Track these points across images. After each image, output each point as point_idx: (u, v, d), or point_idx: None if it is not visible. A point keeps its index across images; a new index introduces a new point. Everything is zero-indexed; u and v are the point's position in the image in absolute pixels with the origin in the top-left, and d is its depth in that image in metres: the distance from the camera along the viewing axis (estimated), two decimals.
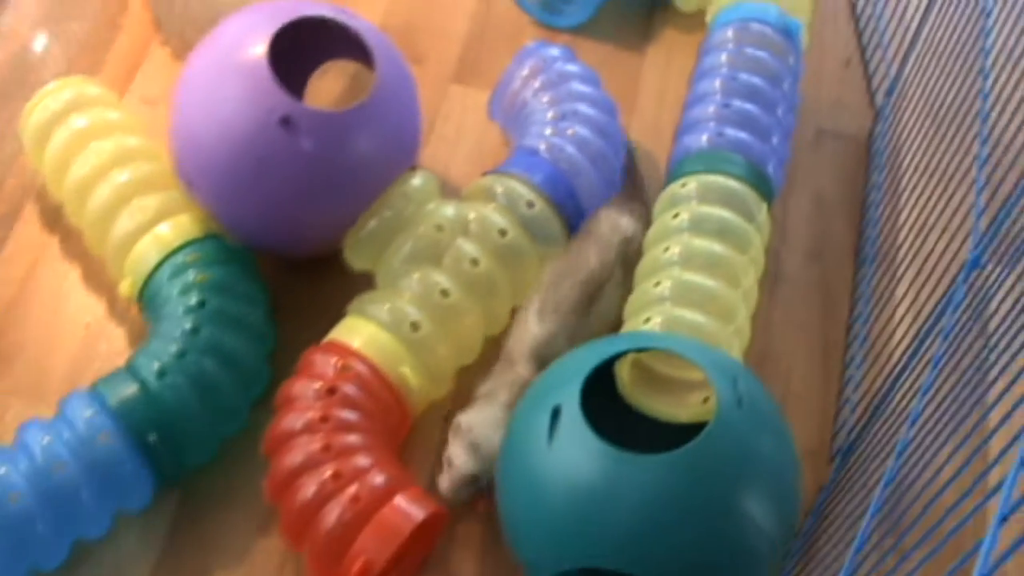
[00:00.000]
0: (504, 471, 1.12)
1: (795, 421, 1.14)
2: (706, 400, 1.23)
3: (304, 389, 1.21)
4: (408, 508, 1.15)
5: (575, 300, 1.28)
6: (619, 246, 1.33)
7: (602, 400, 1.10)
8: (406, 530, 1.13)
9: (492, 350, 1.33)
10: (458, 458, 1.21)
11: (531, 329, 1.27)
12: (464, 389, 1.31)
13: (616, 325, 1.29)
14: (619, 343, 1.17)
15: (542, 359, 1.24)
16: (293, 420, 1.18)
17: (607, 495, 1.02)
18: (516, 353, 1.27)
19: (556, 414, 1.06)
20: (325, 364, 1.22)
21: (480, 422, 1.21)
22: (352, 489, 1.14)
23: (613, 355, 1.14)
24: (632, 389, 1.24)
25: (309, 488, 1.14)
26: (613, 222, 1.35)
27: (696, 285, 1.25)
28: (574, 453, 1.04)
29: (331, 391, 1.19)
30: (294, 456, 1.16)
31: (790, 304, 1.44)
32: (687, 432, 1.07)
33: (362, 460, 1.16)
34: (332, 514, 1.13)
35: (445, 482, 1.22)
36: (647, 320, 1.24)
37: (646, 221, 1.38)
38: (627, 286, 1.32)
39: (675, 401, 1.24)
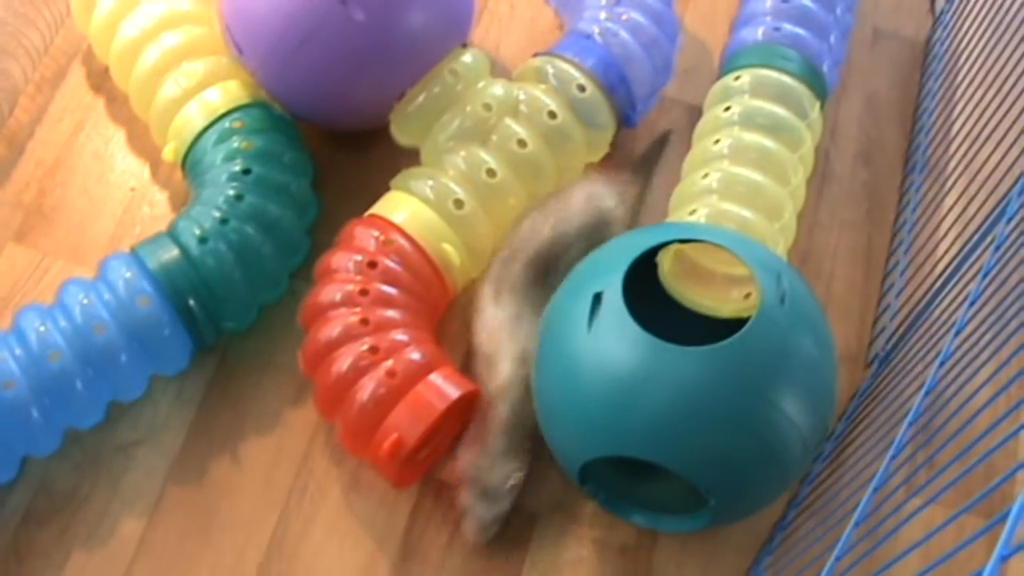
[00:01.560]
0: (541, 357, 1.12)
1: (833, 324, 1.12)
2: (747, 296, 1.22)
3: (344, 261, 1.20)
4: (443, 386, 1.15)
5: (529, 277, 1.20)
6: (586, 217, 1.23)
7: (643, 290, 1.09)
8: (440, 408, 1.13)
9: None
10: (475, 507, 1.16)
11: (494, 315, 1.21)
12: None
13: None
14: (664, 232, 1.15)
15: (518, 342, 1.18)
16: (332, 292, 1.18)
17: (644, 385, 1.01)
18: (491, 349, 1.20)
19: (597, 300, 1.04)
20: (367, 237, 1.21)
21: (482, 466, 1.16)
22: (388, 364, 1.14)
23: (657, 244, 1.13)
24: (674, 280, 1.23)
25: (344, 361, 1.14)
26: (590, 192, 1.27)
27: (744, 179, 1.23)
28: (613, 341, 1.03)
29: (372, 265, 1.19)
30: (331, 328, 1.16)
31: (836, 205, 1.42)
32: (727, 327, 1.06)
33: (399, 336, 1.16)
34: (366, 388, 1.13)
35: (472, 530, 1.17)
36: (692, 212, 1.22)
37: (634, 209, 1.32)
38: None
39: (716, 295, 1.23)
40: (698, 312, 1.23)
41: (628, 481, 1.14)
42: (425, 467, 1.21)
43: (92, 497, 1.21)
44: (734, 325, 1.03)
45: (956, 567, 0.89)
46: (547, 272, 1.20)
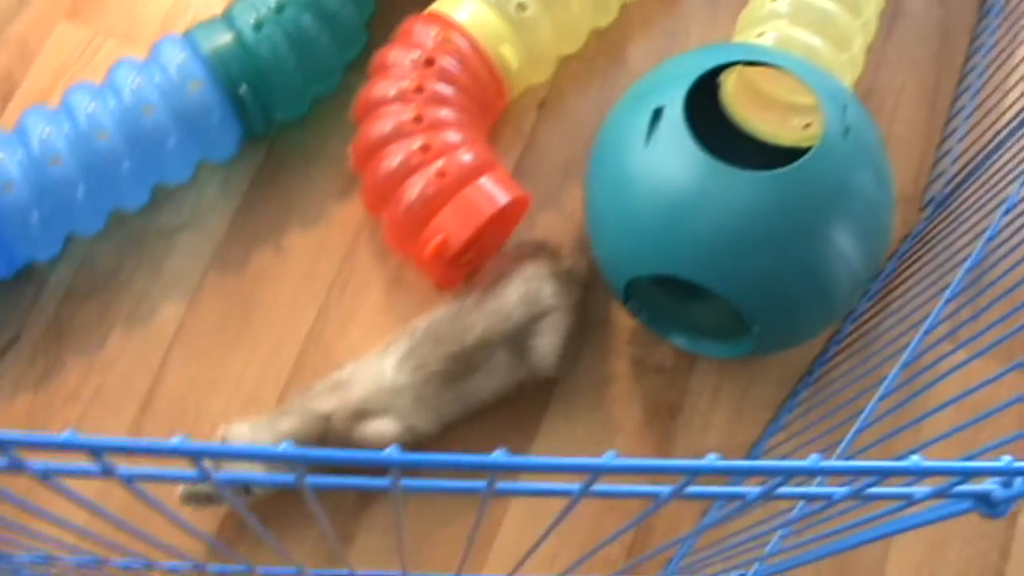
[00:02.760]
0: (594, 168, 1.09)
1: (892, 164, 1.09)
2: (807, 126, 1.19)
3: (401, 57, 1.17)
4: (492, 190, 1.13)
5: (440, 371, 1.09)
6: (518, 320, 1.11)
7: (702, 110, 1.06)
8: (488, 212, 1.12)
9: (596, 44, 1.30)
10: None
11: (385, 371, 1.10)
12: (562, 79, 1.29)
13: (476, 413, 1.14)
14: (729, 52, 1.11)
15: (371, 407, 1.09)
16: (386, 87, 1.16)
17: (698, 205, 0.98)
18: (355, 383, 1.10)
19: (657, 115, 1.02)
20: (425, 34, 1.18)
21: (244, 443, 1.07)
22: (439, 164, 1.12)
23: (722, 64, 1.09)
24: (734, 103, 1.20)
25: (395, 158, 1.12)
26: (527, 290, 1.12)
27: (816, 5, 1.19)
28: (671, 157, 1.00)
29: (428, 62, 1.16)
30: (383, 124, 1.14)
31: (906, 42, 1.38)
32: (783, 155, 1.03)
33: (452, 136, 1.14)
34: (415, 187, 1.12)
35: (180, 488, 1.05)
36: (760, 35, 1.19)
37: (569, 304, 1.15)
38: (513, 372, 1.13)
39: (776, 122, 1.20)
40: (755, 138, 1.20)
41: (672, 303, 1.13)
42: (468, 270, 1.20)
43: (133, 279, 1.21)
44: (790, 154, 1.01)
45: (993, 424, 0.89)
46: (462, 375, 1.10)
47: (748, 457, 1.17)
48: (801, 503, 0.93)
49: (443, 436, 1.12)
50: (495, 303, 1.11)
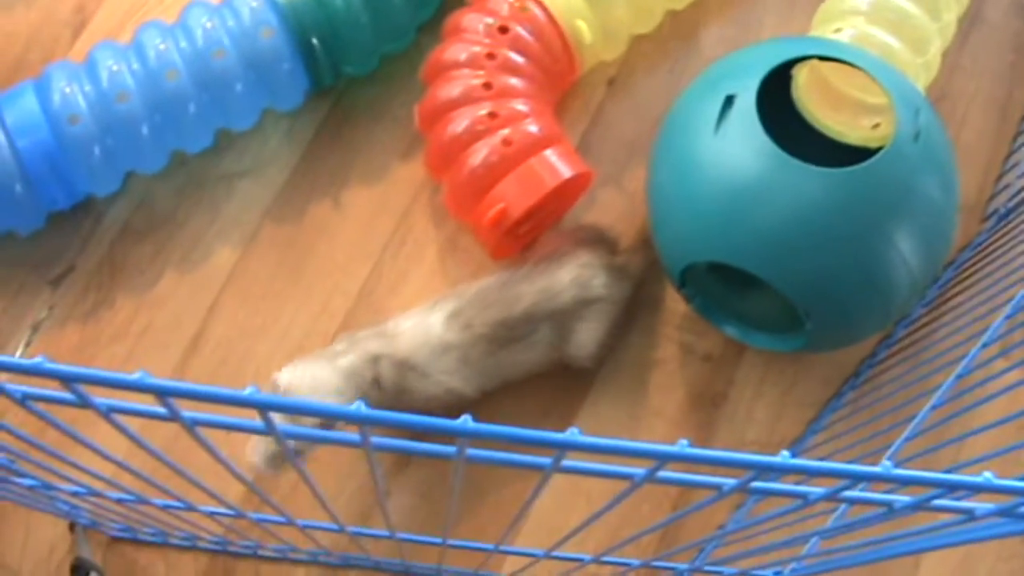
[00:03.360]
0: (661, 150, 1.09)
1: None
2: (876, 127, 1.18)
3: (475, 22, 1.17)
4: (557, 163, 1.12)
5: (486, 335, 1.08)
6: (565, 302, 1.10)
7: (772, 100, 1.04)
8: (551, 184, 1.11)
9: (670, 25, 1.29)
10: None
11: (432, 325, 1.08)
12: (633, 58, 1.28)
13: (509, 385, 1.13)
14: (806, 45, 1.10)
15: (417, 360, 1.07)
16: (458, 51, 1.15)
17: (763, 197, 0.97)
18: (401, 334, 1.08)
19: (729, 103, 1.01)
20: (501, 1, 1.17)
21: (304, 387, 1.01)
22: (505, 132, 1.11)
23: (797, 56, 1.08)
24: (805, 97, 1.19)
25: (461, 122, 1.12)
26: (579, 274, 1.11)
27: (895, 5, 1.18)
28: (740, 146, 0.99)
29: (503, 29, 1.15)
30: (452, 87, 1.14)
31: (982, 52, 1.36)
32: (849, 154, 1.03)
33: (520, 105, 1.13)
34: (479, 153, 1.11)
35: (259, 450, 1.01)
36: (837, 30, 1.17)
37: (618, 299, 1.15)
38: (552, 351, 1.12)
39: (846, 120, 1.19)
40: (823, 133, 1.19)
41: (726, 291, 1.13)
42: (524, 241, 1.20)
43: (190, 221, 1.21)
44: (857, 153, 1.00)
45: None
46: (504, 343, 1.09)
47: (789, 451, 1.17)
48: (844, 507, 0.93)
49: (481, 405, 1.11)
50: (546, 280, 1.10)
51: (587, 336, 1.12)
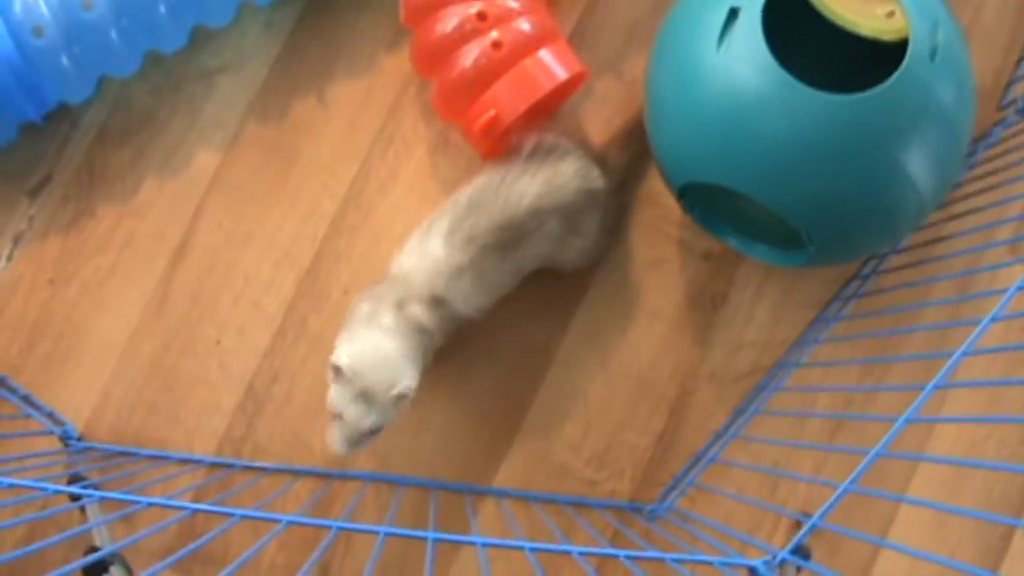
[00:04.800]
0: (659, 60, 1.02)
1: (973, 53, 1.01)
2: (891, 15, 1.11)
3: None
4: (551, 65, 1.07)
5: (492, 240, 1.03)
6: (573, 196, 1.05)
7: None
8: (544, 88, 1.06)
9: None
10: (351, 412, 0.95)
11: (434, 252, 1.03)
12: None
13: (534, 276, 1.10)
14: None
15: (441, 293, 1.02)
16: None
17: (767, 121, 0.92)
18: (410, 272, 1.03)
19: (733, 15, 0.95)
20: None
21: (366, 364, 0.96)
22: (495, 34, 1.05)
23: None
24: None
25: (450, 21, 1.05)
26: (580, 167, 1.07)
27: None
28: (743, 66, 0.93)
29: None
30: None
31: None
32: (862, 46, 0.98)
33: (511, 1, 1.07)
34: (469, 55, 1.05)
35: (337, 438, 0.97)
36: None
37: (621, 188, 1.14)
38: (566, 242, 1.08)
39: (857, 9, 1.12)
40: (835, 24, 1.13)
41: (727, 202, 1.09)
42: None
43: (170, 123, 1.16)
44: (870, 46, 0.95)
45: None
46: (513, 244, 1.04)
47: (788, 355, 1.15)
48: None
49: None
50: (549, 171, 1.06)
51: (595, 226, 1.09)
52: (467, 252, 1.02)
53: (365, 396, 0.94)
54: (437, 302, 1.02)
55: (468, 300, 1.04)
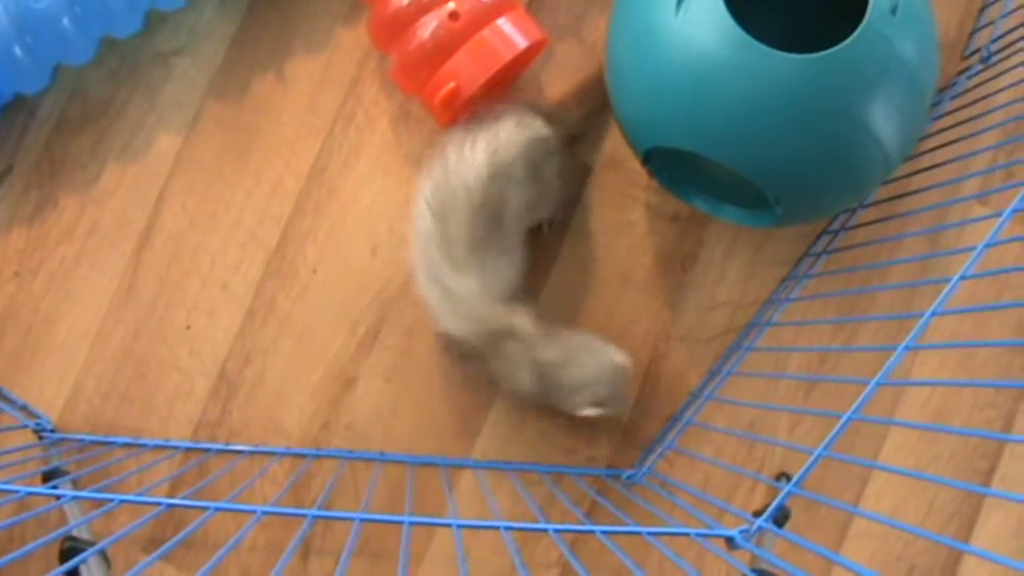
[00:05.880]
0: (619, 23, 1.01)
1: (936, 4, 0.99)
2: None
3: None
4: (510, 33, 1.06)
5: (479, 230, 1.02)
6: (523, 145, 1.04)
7: None
8: (503, 59, 1.05)
9: None
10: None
11: (455, 287, 1.03)
12: None
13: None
14: None
15: (489, 315, 1.04)
16: None
17: (729, 84, 0.91)
18: (451, 315, 1.05)
19: None
20: None
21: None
22: (452, 5, 1.04)
23: None
24: None
25: None
26: (521, 120, 1.05)
27: None
28: (702, 30, 0.91)
29: None
30: None
31: None
32: (823, 4, 0.96)
33: None
34: (426, 28, 1.04)
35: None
36: None
37: (571, 141, 1.14)
38: (540, 188, 1.07)
39: None
40: None
41: (694, 166, 1.08)
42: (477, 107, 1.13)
43: (128, 108, 1.15)
44: (830, 4, 0.95)
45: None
46: (496, 220, 1.03)
47: (761, 314, 1.15)
48: None
49: None
50: (490, 133, 1.04)
51: (551, 173, 1.08)
52: (475, 265, 1.02)
53: None
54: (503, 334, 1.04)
55: (478, 312, 1.04)
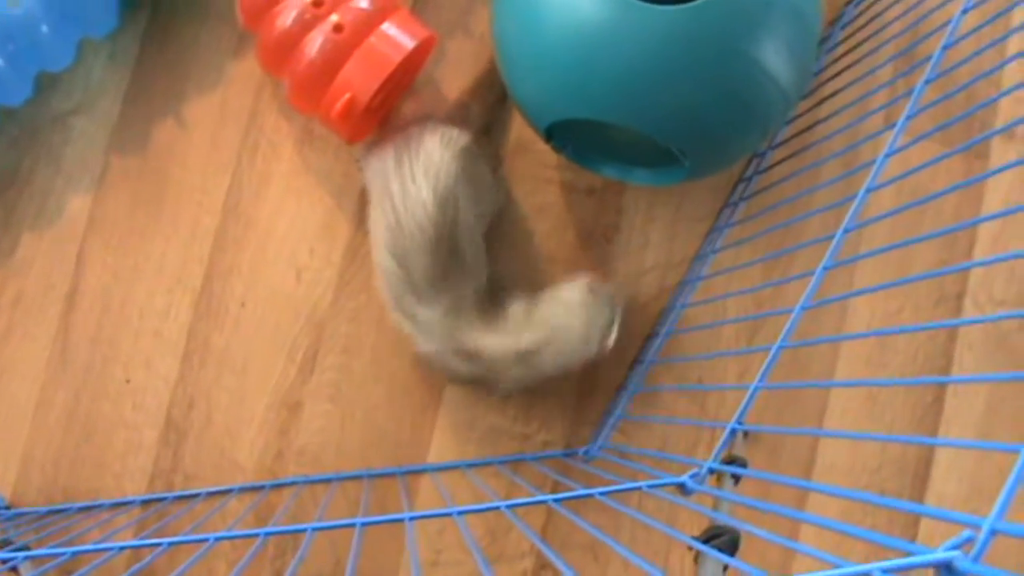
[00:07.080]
0: (498, 12, 1.01)
1: None
2: None
3: None
4: (397, 36, 1.06)
5: (440, 267, 1.03)
6: (457, 162, 1.05)
7: None
8: (395, 61, 1.05)
9: None
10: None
11: (433, 322, 1.05)
12: None
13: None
14: None
15: (463, 340, 1.06)
16: None
17: (614, 46, 0.91)
18: (443, 354, 1.07)
19: None
20: None
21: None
22: (334, 18, 1.04)
23: None
24: None
25: (288, 15, 1.05)
26: (441, 136, 1.06)
27: None
28: None
29: None
30: None
31: None
32: None
33: None
34: (313, 45, 1.04)
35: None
36: None
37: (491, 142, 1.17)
38: (478, 191, 1.08)
39: None
40: None
41: (598, 134, 1.08)
42: (378, 116, 1.15)
43: (35, 174, 1.15)
44: None
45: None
46: (453, 248, 1.04)
47: (691, 271, 1.16)
48: None
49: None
50: (424, 160, 1.05)
51: (485, 172, 1.10)
52: (437, 292, 1.04)
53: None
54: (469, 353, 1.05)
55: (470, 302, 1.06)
